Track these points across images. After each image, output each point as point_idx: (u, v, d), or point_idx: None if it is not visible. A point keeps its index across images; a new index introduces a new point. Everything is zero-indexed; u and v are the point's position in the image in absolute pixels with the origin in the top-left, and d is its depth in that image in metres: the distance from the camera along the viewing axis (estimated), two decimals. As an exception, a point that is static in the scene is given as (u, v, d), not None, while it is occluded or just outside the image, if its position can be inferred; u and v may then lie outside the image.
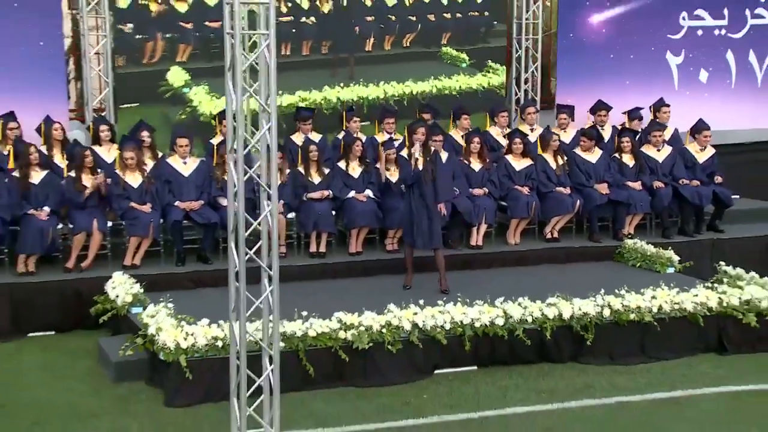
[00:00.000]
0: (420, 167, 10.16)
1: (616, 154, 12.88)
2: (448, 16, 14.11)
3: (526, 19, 14.69)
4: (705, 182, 12.96)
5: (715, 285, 10.08)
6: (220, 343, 8.03)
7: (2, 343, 9.83)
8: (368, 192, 11.64)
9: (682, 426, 7.61)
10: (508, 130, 13.18)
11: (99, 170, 10.87)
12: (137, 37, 12.62)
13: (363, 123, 12.87)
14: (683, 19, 15.42)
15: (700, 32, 15.52)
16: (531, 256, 12.06)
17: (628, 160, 12.80)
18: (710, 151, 13.30)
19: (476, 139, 12.28)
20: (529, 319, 9.01)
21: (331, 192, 11.60)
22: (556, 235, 12.43)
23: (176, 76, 12.79)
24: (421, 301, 9.06)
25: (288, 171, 11.56)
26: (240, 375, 6.54)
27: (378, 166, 11.38)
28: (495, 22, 14.46)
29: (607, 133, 13.57)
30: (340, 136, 12.39)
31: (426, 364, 8.77)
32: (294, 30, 13.37)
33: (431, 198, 10.24)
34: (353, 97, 13.58)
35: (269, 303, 6.61)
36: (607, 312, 9.19)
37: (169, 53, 12.74)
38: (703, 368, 9.08)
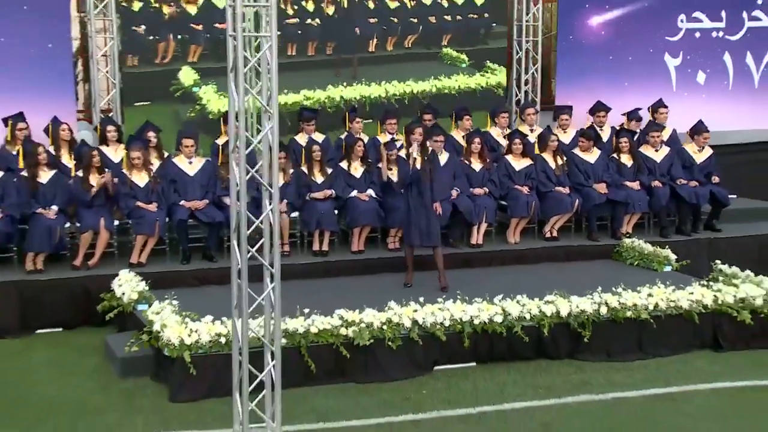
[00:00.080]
0: (418, 167, 10.22)
1: (615, 155, 12.89)
2: (449, 18, 14.26)
3: (527, 21, 14.71)
4: (702, 182, 12.96)
5: (711, 283, 10.10)
6: (223, 340, 8.05)
7: (11, 339, 9.86)
8: (370, 191, 11.67)
9: (677, 421, 7.61)
10: (509, 131, 13.20)
11: (106, 169, 10.92)
12: (150, 38, 12.82)
13: (366, 121, 12.94)
14: (681, 21, 15.43)
15: (697, 34, 15.53)
16: (530, 254, 12.07)
17: (626, 160, 12.81)
18: (708, 152, 13.31)
19: (477, 140, 12.30)
20: (527, 317, 9.03)
21: (333, 191, 11.64)
22: (555, 234, 12.44)
23: (187, 75, 12.99)
24: (421, 299, 9.08)
25: (291, 171, 11.60)
26: (242, 371, 6.54)
27: (380, 166, 11.41)
28: (494, 24, 14.56)
29: (606, 134, 13.57)
30: (343, 136, 12.42)
31: (426, 361, 8.79)
32: (299, 31, 13.55)
33: (429, 197, 10.29)
34: (356, 96, 13.72)
35: (271, 300, 6.62)
36: (604, 309, 9.19)
37: (181, 54, 12.95)
38: (698, 365, 9.09)
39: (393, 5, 13.96)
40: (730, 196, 13.27)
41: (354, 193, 11.62)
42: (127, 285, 9.64)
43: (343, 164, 11.84)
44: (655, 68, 15.34)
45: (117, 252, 10.90)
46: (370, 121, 13.24)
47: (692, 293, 9.55)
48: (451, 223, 11.90)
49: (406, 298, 9.12)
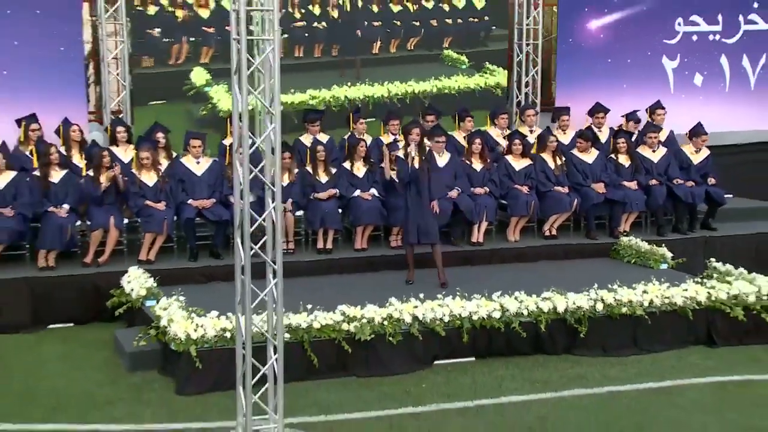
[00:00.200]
0: (417, 166, 10.27)
1: (613, 155, 12.92)
2: (450, 21, 14.37)
3: (527, 24, 14.75)
4: (699, 182, 12.99)
5: (705, 280, 10.12)
6: (228, 334, 8.09)
7: (24, 334, 9.91)
8: (373, 191, 11.72)
9: (669, 413, 7.65)
10: (508, 132, 13.25)
11: (115, 163, 10.98)
12: (164, 40, 12.97)
13: (368, 119, 13.04)
14: (679, 24, 15.44)
15: (695, 37, 15.53)
16: (530, 252, 12.10)
17: (624, 160, 12.84)
18: (705, 153, 13.34)
19: (477, 140, 12.34)
20: (525, 313, 9.07)
21: (338, 191, 11.69)
22: (554, 232, 12.47)
23: (199, 76, 13.14)
24: (422, 295, 9.12)
25: (296, 170, 11.65)
26: (246, 364, 6.58)
27: (383, 165, 11.45)
28: (494, 27, 14.63)
29: (604, 135, 13.60)
30: (346, 137, 12.48)
31: (425, 355, 8.83)
32: (306, 34, 13.70)
33: (427, 196, 10.33)
34: (360, 95, 13.87)
35: (273, 295, 6.67)
36: (600, 306, 9.23)
37: (193, 55, 13.11)
38: (692, 360, 9.12)
39: (396, 9, 14.07)
40: (726, 196, 13.30)
41: (357, 192, 11.66)
42: (136, 282, 9.70)
43: (346, 164, 11.89)
44: (653, 71, 15.33)
45: (126, 249, 10.94)
46: (373, 119, 13.34)
47: (686, 290, 9.59)
48: (453, 222, 11.94)
49: (407, 294, 9.16)
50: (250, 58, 6.41)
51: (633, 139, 13.32)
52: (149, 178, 11.07)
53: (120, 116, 12.89)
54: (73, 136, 11.64)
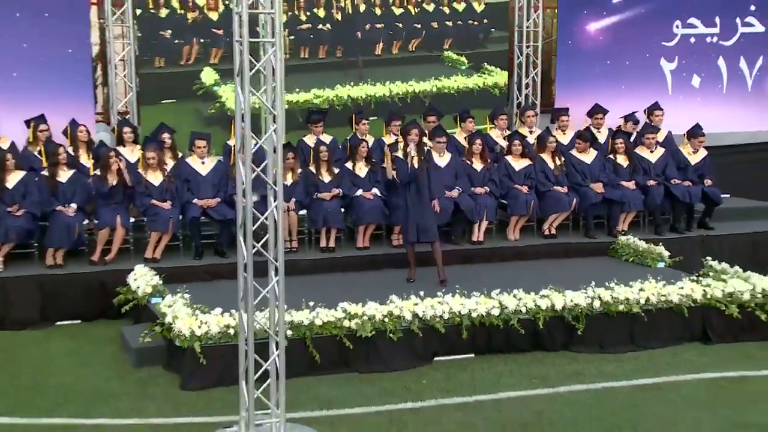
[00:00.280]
0: (416, 165, 10.31)
1: (611, 155, 12.95)
2: (450, 24, 14.51)
3: (527, 27, 14.79)
4: (696, 182, 13.02)
5: (701, 278, 10.14)
6: (231, 331, 8.14)
7: (32, 330, 9.98)
8: (375, 190, 11.76)
9: (662, 409, 7.67)
10: (508, 132, 13.30)
11: (120, 157, 11.03)
12: (175, 41, 13.15)
13: (371, 118, 13.18)
14: (677, 27, 15.44)
15: (692, 40, 15.55)
16: (529, 251, 12.14)
17: (622, 160, 12.87)
18: (702, 154, 13.36)
19: (478, 141, 12.38)
20: (523, 310, 9.10)
21: (341, 190, 11.74)
22: (553, 231, 12.51)
23: (208, 75, 13.32)
24: (422, 293, 9.16)
25: (300, 170, 11.70)
26: (248, 360, 6.63)
27: (384, 165, 11.50)
28: (492, 30, 14.72)
29: (603, 136, 13.63)
30: (348, 137, 12.54)
31: (425, 352, 8.86)
32: (312, 36, 13.89)
33: (426, 195, 10.38)
34: (362, 95, 14.04)
35: (275, 292, 6.72)
36: (597, 303, 9.26)
37: (203, 56, 13.29)
38: (687, 356, 9.14)
39: (398, 12, 14.24)
40: (723, 196, 13.33)
41: (359, 192, 11.71)
42: (142, 279, 9.75)
43: (349, 164, 11.93)
44: (651, 72, 15.35)
45: (132, 248, 11.00)
46: (375, 118, 13.48)
47: (682, 288, 9.61)
48: (453, 221, 11.99)
49: (408, 292, 9.20)
50: (253, 60, 6.45)
51: (631, 139, 13.35)
52: (155, 178, 11.13)
53: (127, 117, 12.97)
54: (80, 137, 11.72)
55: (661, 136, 13.58)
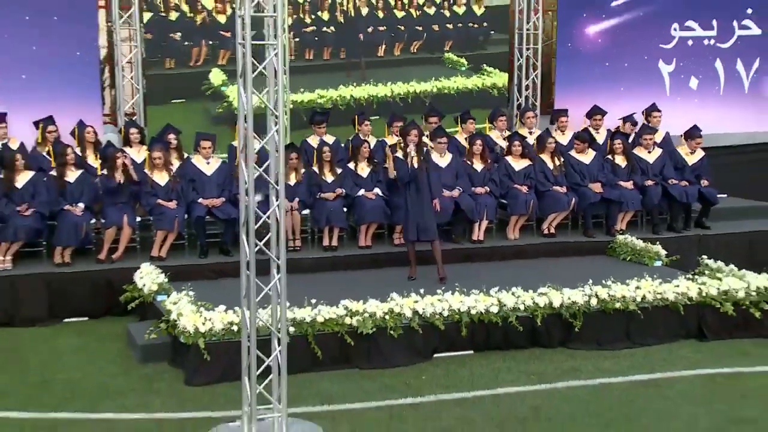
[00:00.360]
0: (416, 165, 10.34)
1: (610, 156, 12.98)
2: (450, 26, 14.64)
3: (527, 29, 14.83)
4: (693, 183, 13.04)
5: (696, 277, 10.16)
6: (235, 328, 8.15)
7: (40, 327, 10.03)
8: (377, 190, 11.80)
9: (657, 404, 7.69)
10: (507, 133, 13.34)
11: (124, 152, 11.07)
12: (185, 44, 13.30)
13: (373, 117, 13.29)
14: (674, 30, 15.46)
15: (690, 42, 15.57)
16: (529, 250, 12.17)
17: (620, 161, 12.90)
18: (700, 154, 13.37)
19: (478, 142, 12.42)
20: (522, 307, 9.11)
21: (344, 190, 11.77)
22: (552, 230, 12.54)
23: (216, 76, 13.49)
24: (422, 290, 9.18)
25: (303, 171, 11.74)
26: (251, 356, 6.65)
27: (386, 166, 11.54)
28: (492, 32, 14.80)
29: (602, 136, 13.66)
30: (351, 138, 12.59)
31: (425, 348, 8.88)
32: (316, 38, 14.04)
33: (425, 194, 10.41)
34: (365, 95, 14.19)
35: (277, 290, 6.75)
36: (594, 301, 9.27)
37: (211, 57, 13.45)
38: (683, 353, 9.15)
39: (400, 15, 14.38)
40: (720, 196, 13.38)
41: (361, 191, 11.75)
42: (148, 277, 9.79)
43: (351, 165, 11.97)
44: (649, 74, 15.37)
45: (139, 246, 11.06)
46: (377, 117, 13.61)
47: (678, 286, 9.62)
48: (454, 220, 12.02)
49: (408, 290, 9.22)
50: (255, 62, 6.48)
51: (630, 140, 13.38)
52: (161, 178, 11.18)
53: (133, 118, 13.01)
54: (88, 138, 11.76)
55: (659, 137, 13.61)
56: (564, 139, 13.45)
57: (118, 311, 10.13)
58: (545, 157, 12.62)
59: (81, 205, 10.84)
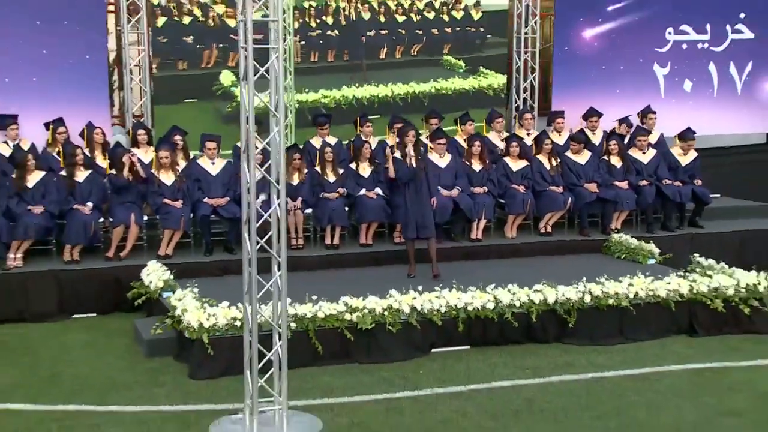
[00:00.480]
0: (414, 165, 10.41)
1: (605, 156, 13.03)
2: (449, 30, 14.72)
3: (525, 33, 14.87)
4: (686, 183, 13.09)
5: (687, 274, 10.21)
6: (238, 323, 8.20)
7: (50, 323, 10.11)
8: (378, 190, 11.86)
9: (647, 397, 7.74)
10: (505, 134, 13.41)
11: (131, 151, 11.15)
12: (197, 46, 13.43)
13: (374, 116, 13.43)
14: (669, 33, 15.46)
15: (684, 46, 15.54)
16: (526, 248, 12.22)
17: (615, 161, 12.95)
18: (693, 155, 13.42)
19: (477, 143, 12.47)
20: (517, 304, 9.15)
21: (346, 190, 11.84)
22: (549, 229, 12.58)
23: (226, 77, 13.60)
24: (420, 287, 9.22)
25: (306, 171, 11.81)
26: (252, 350, 6.71)
27: (387, 166, 11.60)
28: (488, 36, 14.87)
29: (598, 138, 13.71)
30: (352, 139, 12.69)
31: (423, 343, 8.93)
32: (321, 41, 14.16)
33: (424, 193, 10.47)
34: (366, 95, 14.34)
35: (278, 286, 6.82)
36: (588, 298, 9.31)
37: (222, 59, 13.58)
38: (674, 348, 9.19)
39: (401, 19, 14.50)
40: (713, 196, 13.42)
41: (363, 191, 11.81)
42: (155, 274, 9.85)
43: (353, 165, 12.04)
44: (644, 77, 15.35)
45: (146, 245, 11.13)
46: (379, 117, 13.74)
47: (669, 283, 9.66)
48: (453, 219, 12.07)
49: (407, 286, 9.27)
50: (257, 65, 6.55)
51: (625, 141, 13.43)
52: (167, 178, 11.25)
53: (141, 120, 13.10)
54: (96, 139, 11.85)
55: (653, 139, 13.65)
56: (560, 139, 13.51)
57: (125, 307, 10.20)
58: (542, 158, 12.68)
59: (90, 204, 10.92)
